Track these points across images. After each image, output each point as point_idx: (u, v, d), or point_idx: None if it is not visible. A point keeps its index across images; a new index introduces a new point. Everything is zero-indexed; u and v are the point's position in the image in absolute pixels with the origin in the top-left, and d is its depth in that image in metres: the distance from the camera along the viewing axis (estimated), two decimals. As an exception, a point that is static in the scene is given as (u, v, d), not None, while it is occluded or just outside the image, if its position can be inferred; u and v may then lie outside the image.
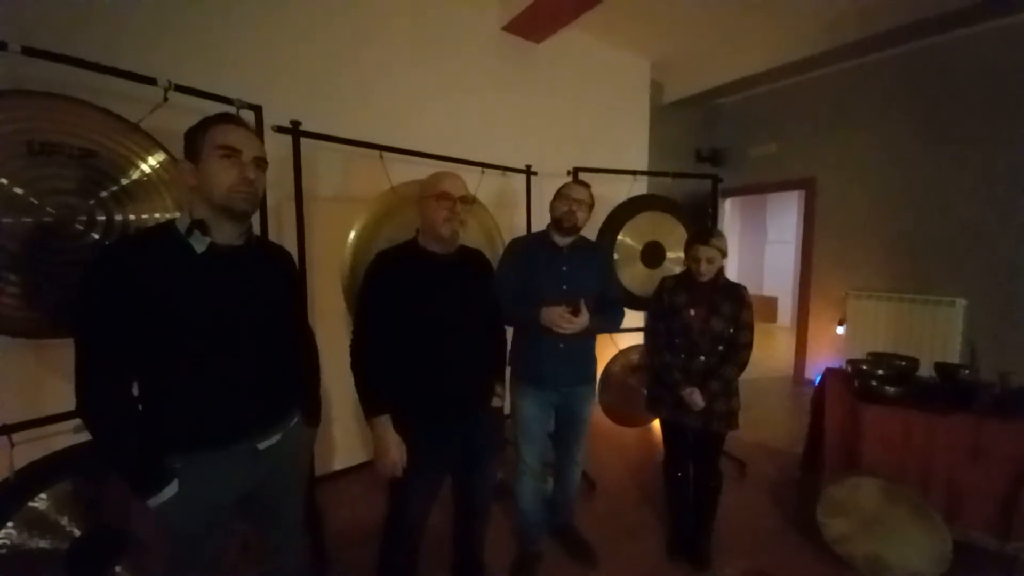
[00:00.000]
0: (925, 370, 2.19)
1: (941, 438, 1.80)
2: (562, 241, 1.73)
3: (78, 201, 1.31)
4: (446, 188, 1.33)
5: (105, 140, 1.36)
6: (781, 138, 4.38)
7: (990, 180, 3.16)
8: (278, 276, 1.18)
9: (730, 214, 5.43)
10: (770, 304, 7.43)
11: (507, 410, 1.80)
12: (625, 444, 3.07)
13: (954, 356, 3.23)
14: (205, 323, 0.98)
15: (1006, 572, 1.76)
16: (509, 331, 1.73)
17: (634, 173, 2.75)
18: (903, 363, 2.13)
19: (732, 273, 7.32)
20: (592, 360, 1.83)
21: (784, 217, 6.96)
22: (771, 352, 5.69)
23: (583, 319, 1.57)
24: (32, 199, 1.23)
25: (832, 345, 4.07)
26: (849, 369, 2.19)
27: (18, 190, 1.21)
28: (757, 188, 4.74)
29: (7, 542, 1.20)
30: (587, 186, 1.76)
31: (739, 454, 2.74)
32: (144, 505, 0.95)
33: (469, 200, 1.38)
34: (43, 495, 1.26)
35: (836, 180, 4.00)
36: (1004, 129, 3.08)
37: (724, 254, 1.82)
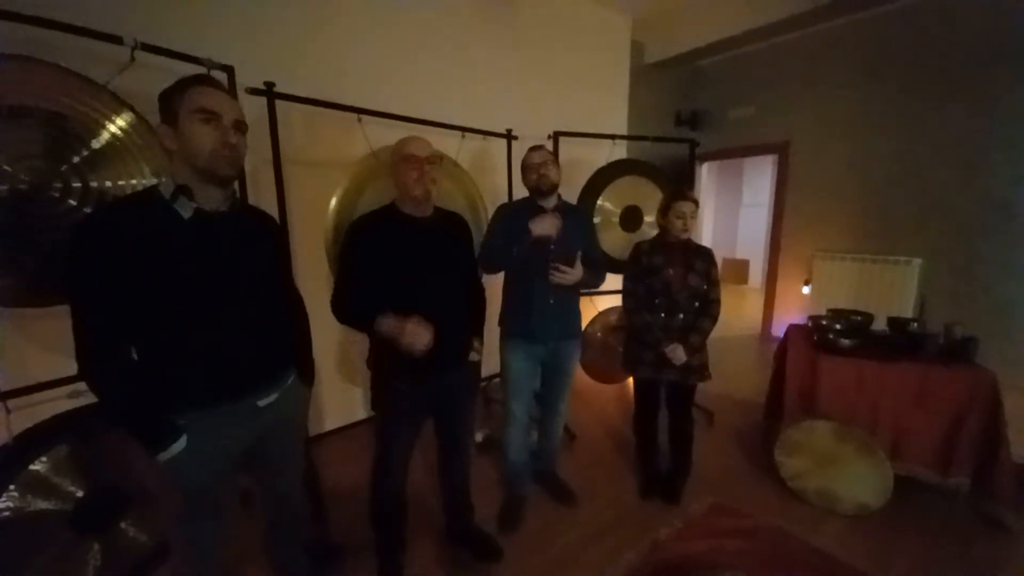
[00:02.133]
0: (880, 325, 2.37)
1: (889, 384, 1.99)
2: (546, 203, 1.81)
3: (50, 166, 1.28)
4: (411, 151, 1.37)
5: (73, 102, 1.31)
6: (758, 101, 4.42)
7: (955, 143, 3.29)
8: (264, 240, 1.19)
9: (706, 178, 5.50)
10: (742, 266, 7.69)
11: (492, 369, 1.89)
12: (603, 400, 3.24)
13: (909, 312, 3.45)
14: (196, 288, 1.01)
15: (948, 503, 1.99)
16: (493, 292, 1.80)
17: (613, 137, 2.78)
18: (859, 318, 2.30)
19: (707, 236, 7.52)
20: (578, 315, 1.93)
21: (759, 181, 7.10)
22: (741, 312, 5.95)
23: (577, 271, 1.70)
24: (5, 166, 1.20)
25: (798, 304, 4.29)
26: (810, 324, 2.36)
27: (-13, 156, 1.18)
28: (734, 152, 4.80)
29: (10, 504, 1.25)
30: (542, 147, 1.85)
31: (708, 405, 2.93)
32: (153, 460, 1.00)
33: (436, 159, 1.41)
34: (43, 459, 1.30)
35: (809, 144, 4.10)
36: (971, 93, 3.19)
37: (697, 210, 1.94)
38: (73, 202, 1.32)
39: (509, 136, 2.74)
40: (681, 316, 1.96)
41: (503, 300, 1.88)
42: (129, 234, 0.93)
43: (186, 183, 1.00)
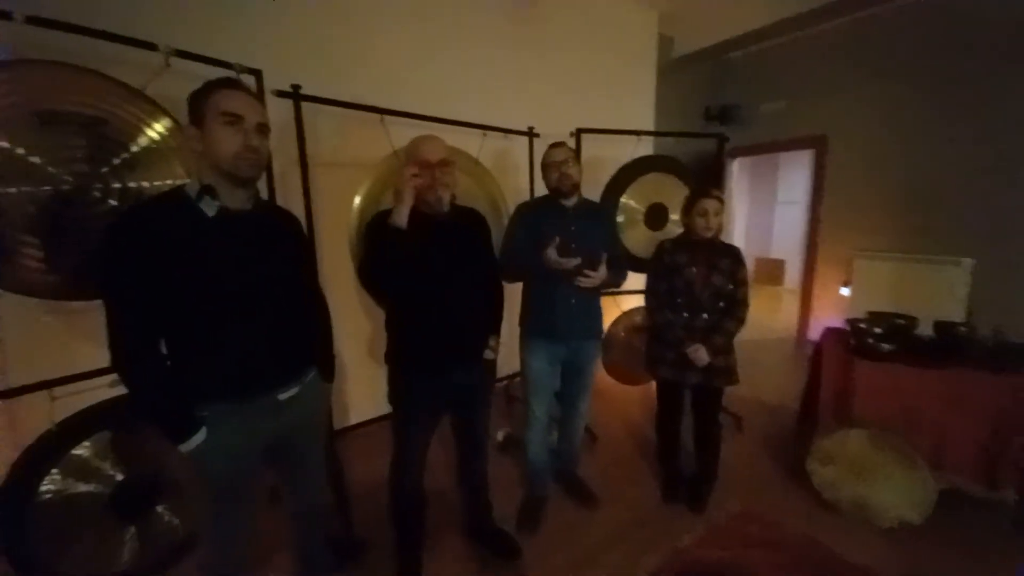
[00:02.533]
0: (926, 330, 2.23)
1: (932, 391, 1.87)
2: (568, 202, 1.78)
3: (92, 169, 1.36)
4: (423, 155, 1.36)
5: (113, 108, 1.38)
6: (792, 94, 4.24)
7: (1000, 138, 3.07)
8: (287, 239, 1.23)
9: (738, 174, 5.32)
10: (777, 266, 7.40)
11: (514, 367, 1.88)
12: (627, 401, 3.18)
13: (959, 316, 3.23)
14: (220, 284, 1.04)
15: (993, 517, 1.85)
16: (513, 291, 1.79)
17: (638, 133, 2.72)
18: (902, 321, 2.16)
19: (739, 235, 7.28)
20: (599, 315, 1.90)
21: (795, 177, 6.82)
22: (775, 315, 5.73)
23: (602, 272, 1.65)
24: (50, 168, 1.27)
25: (836, 306, 4.09)
26: (847, 327, 2.24)
27: (35, 159, 1.25)
28: (767, 147, 4.62)
29: (53, 487, 1.33)
30: (563, 144, 1.80)
31: (737, 410, 2.83)
32: (177, 450, 1.05)
33: (449, 163, 1.40)
34: (85, 443, 1.38)
35: (848, 137, 3.90)
36: (1017, 85, 2.96)
37: (724, 210, 1.87)
38: (113, 202, 1.39)
39: (531, 134, 2.72)
40: (705, 316, 1.89)
41: (523, 299, 1.87)
42: (156, 233, 0.97)
43: (211, 183, 1.04)
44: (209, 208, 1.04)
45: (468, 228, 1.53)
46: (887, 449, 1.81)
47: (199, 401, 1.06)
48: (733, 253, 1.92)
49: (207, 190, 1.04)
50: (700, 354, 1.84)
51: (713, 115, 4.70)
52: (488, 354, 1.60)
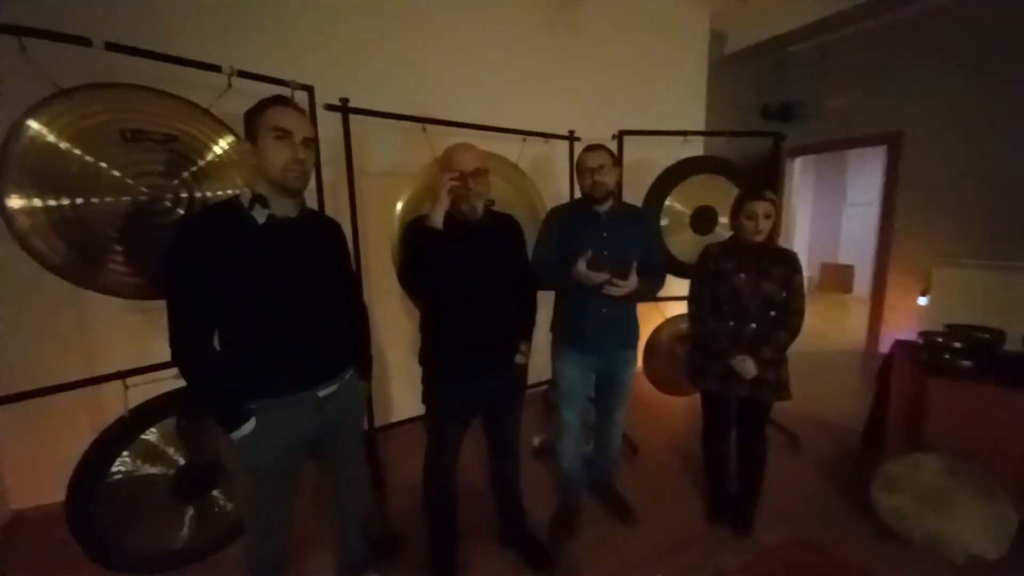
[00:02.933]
0: (1014, 344, 1.97)
1: (1019, 415, 1.64)
2: (601, 207, 1.72)
3: (165, 181, 1.50)
4: (458, 164, 1.39)
5: (183, 125, 1.53)
6: (862, 88, 3.91)
7: None
8: (329, 245, 1.30)
9: (800, 175, 4.98)
10: (845, 273, 6.85)
11: (548, 374, 1.87)
12: (671, 413, 3.05)
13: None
14: (267, 286, 1.12)
15: None
16: (547, 296, 1.78)
17: (684, 134, 2.62)
18: (986, 335, 1.93)
19: (802, 239, 6.81)
20: (633, 325, 1.84)
21: (867, 176, 6.28)
22: (843, 325, 5.30)
23: (632, 282, 1.57)
24: (128, 180, 1.43)
25: (912, 317, 3.70)
26: (921, 341, 2.03)
27: (116, 173, 1.41)
28: (833, 145, 4.29)
29: (122, 468, 1.47)
30: (600, 147, 1.71)
31: (795, 428, 2.64)
32: (228, 438, 1.13)
33: (483, 171, 1.42)
34: (153, 429, 1.52)
35: (928, 132, 3.53)
36: None
37: (778, 212, 1.75)
38: (181, 211, 1.53)
39: (571, 138, 2.70)
40: (753, 326, 1.78)
41: (555, 306, 1.84)
42: (211, 238, 1.06)
43: (262, 193, 1.12)
44: (259, 216, 1.12)
45: (502, 233, 1.55)
46: (964, 478, 1.61)
47: (248, 394, 1.14)
48: (787, 259, 1.78)
49: (258, 199, 1.12)
50: (746, 366, 1.73)
51: (772, 112, 4.43)
52: (520, 359, 1.60)
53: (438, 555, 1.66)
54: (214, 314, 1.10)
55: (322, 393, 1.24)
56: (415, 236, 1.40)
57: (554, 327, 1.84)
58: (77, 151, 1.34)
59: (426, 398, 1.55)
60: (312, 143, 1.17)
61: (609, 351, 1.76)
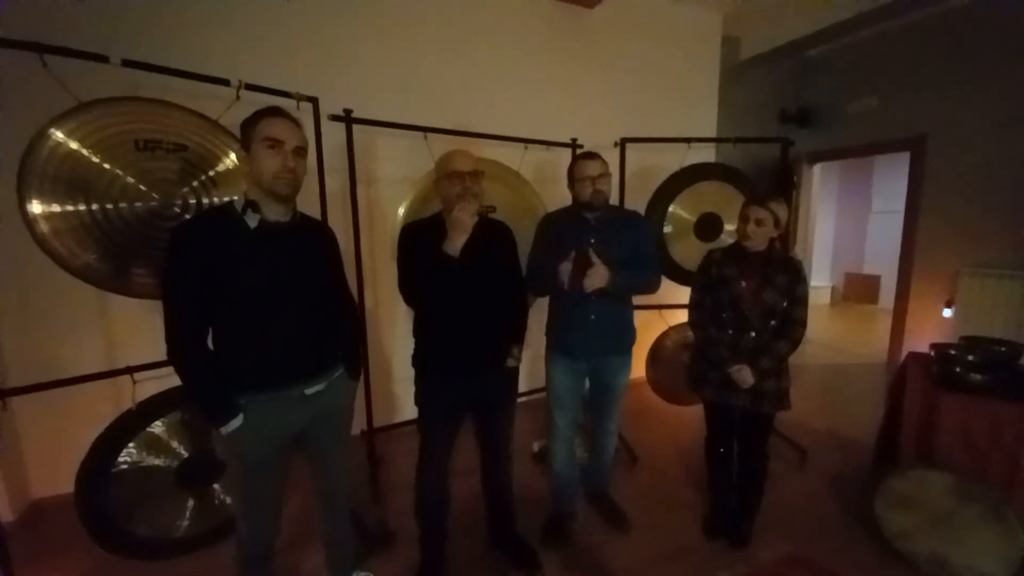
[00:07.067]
0: (1036, 359, 1.87)
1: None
2: (591, 214, 1.72)
3: (176, 188, 1.60)
4: (455, 167, 1.43)
5: (193, 135, 1.62)
6: (884, 91, 3.80)
7: None
8: (319, 248, 1.35)
9: (820, 181, 4.83)
10: (871, 283, 6.60)
11: (544, 380, 1.87)
12: (673, 422, 3.00)
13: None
14: (258, 286, 1.17)
15: None
16: (541, 301, 1.79)
17: (687, 140, 2.60)
18: (1002, 348, 1.84)
19: (825, 248, 6.61)
20: (627, 331, 1.81)
21: (893, 184, 6.06)
22: (867, 337, 5.10)
23: (600, 272, 1.53)
24: (141, 187, 1.52)
25: (937, 330, 3.55)
26: (932, 353, 1.95)
27: (131, 180, 1.50)
28: (855, 151, 4.18)
29: (128, 459, 1.56)
30: (597, 155, 1.69)
31: (805, 442, 2.56)
32: (218, 432, 1.18)
33: (479, 172, 1.46)
34: (159, 422, 1.60)
35: (953, 136, 3.40)
36: None
37: (778, 222, 1.71)
38: (189, 216, 1.62)
39: (574, 145, 2.71)
40: (753, 334, 1.74)
41: (548, 311, 1.85)
42: (206, 241, 1.12)
43: (256, 199, 1.18)
44: (251, 220, 1.18)
45: (492, 239, 1.57)
46: (973, 499, 1.53)
47: (238, 390, 1.19)
48: (792, 268, 1.73)
49: (251, 205, 1.18)
50: (743, 375, 1.69)
51: (790, 117, 4.35)
52: (511, 362, 1.61)
53: (428, 550, 1.69)
54: (207, 314, 1.16)
55: (309, 391, 1.28)
56: (413, 243, 1.45)
57: (547, 332, 1.85)
58: (96, 159, 1.44)
59: (418, 399, 1.58)
60: (303, 152, 1.22)
61: (598, 357, 1.75)
